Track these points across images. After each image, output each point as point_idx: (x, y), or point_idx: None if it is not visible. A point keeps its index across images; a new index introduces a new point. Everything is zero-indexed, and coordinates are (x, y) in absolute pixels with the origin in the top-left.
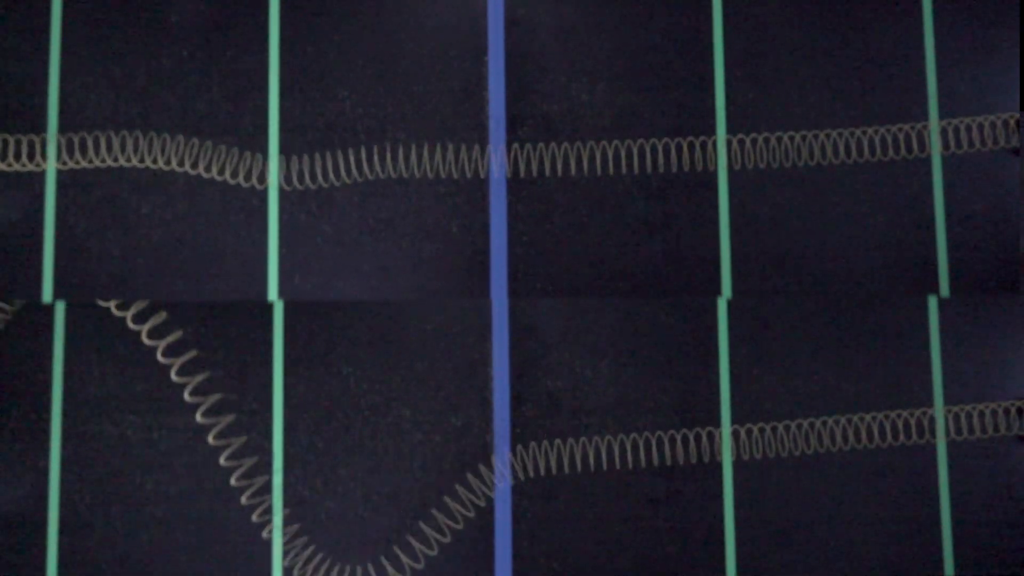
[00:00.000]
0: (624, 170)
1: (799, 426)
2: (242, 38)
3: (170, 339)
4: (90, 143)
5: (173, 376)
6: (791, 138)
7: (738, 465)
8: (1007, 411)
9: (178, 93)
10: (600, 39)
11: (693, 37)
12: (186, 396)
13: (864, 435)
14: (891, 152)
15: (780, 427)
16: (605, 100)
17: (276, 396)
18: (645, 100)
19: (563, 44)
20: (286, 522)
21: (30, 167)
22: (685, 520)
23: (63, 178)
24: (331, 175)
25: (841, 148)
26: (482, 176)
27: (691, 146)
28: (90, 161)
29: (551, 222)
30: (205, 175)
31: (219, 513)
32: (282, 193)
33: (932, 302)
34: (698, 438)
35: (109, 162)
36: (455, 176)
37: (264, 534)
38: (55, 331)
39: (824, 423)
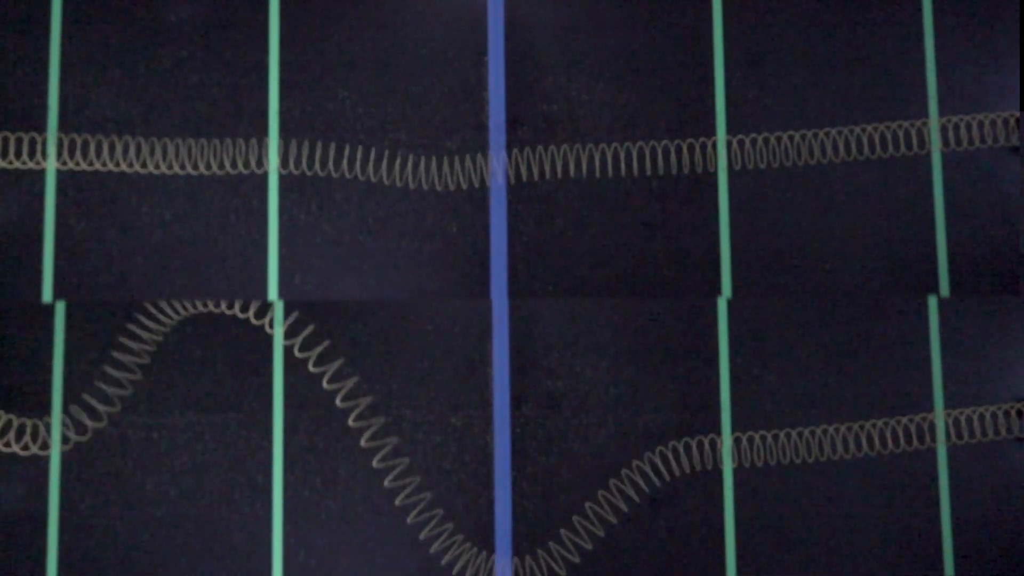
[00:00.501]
0: (624, 172)
1: (800, 434)
2: (242, 38)
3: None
4: (92, 146)
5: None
6: (791, 137)
7: (739, 468)
8: (1007, 413)
9: (178, 93)
10: (600, 39)
11: (693, 37)
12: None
13: (865, 443)
14: (891, 149)
15: (781, 435)
16: (605, 100)
17: (276, 396)
18: (645, 100)
19: (563, 44)
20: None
21: (30, 165)
22: (685, 522)
23: (63, 178)
24: (331, 167)
25: (841, 146)
26: (487, 184)
27: (691, 147)
28: (91, 164)
29: (551, 222)
30: (207, 172)
31: (219, 513)
32: (282, 193)
33: (932, 302)
34: (700, 445)
35: (111, 167)
36: (462, 186)
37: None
38: (55, 331)
39: (824, 431)
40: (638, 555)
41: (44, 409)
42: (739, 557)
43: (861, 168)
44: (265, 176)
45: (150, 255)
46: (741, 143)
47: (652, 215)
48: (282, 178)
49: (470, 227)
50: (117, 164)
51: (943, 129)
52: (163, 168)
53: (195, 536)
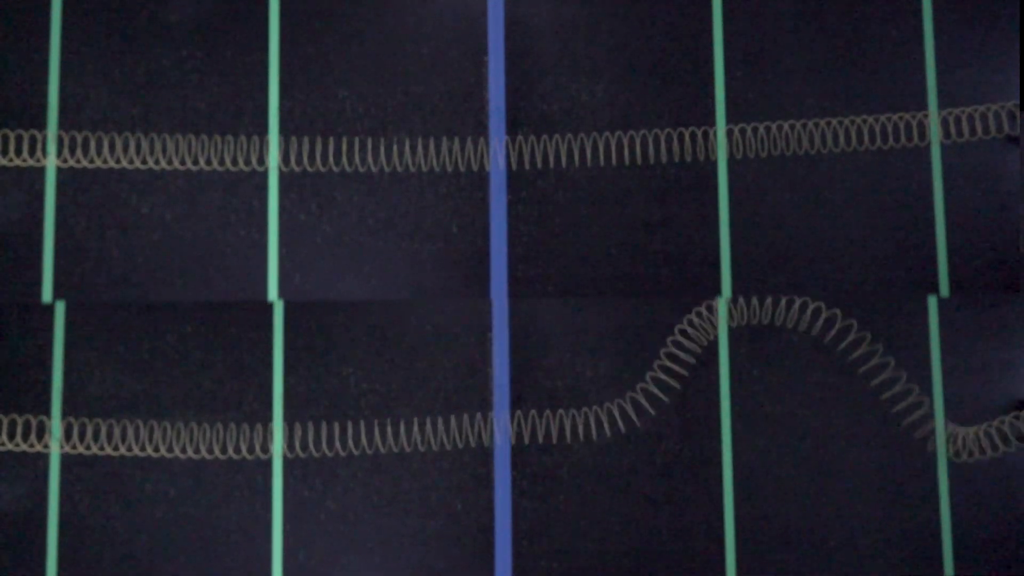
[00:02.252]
0: (626, 161)
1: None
2: (242, 37)
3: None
4: (92, 142)
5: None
6: (791, 127)
7: (738, 465)
8: (1007, 412)
9: (178, 93)
10: (600, 37)
11: (693, 27)
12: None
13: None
14: (891, 141)
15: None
16: (605, 100)
17: (276, 396)
18: (645, 97)
19: (563, 44)
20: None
21: (31, 163)
22: (685, 520)
23: (63, 178)
24: (331, 159)
25: (841, 137)
26: (488, 168)
27: (693, 136)
28: (91, 161)
29: (551, 221)
30: (207, 168)
31: (219, 513)
32: (282, 193)
33: (932, 302)
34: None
35: (111, 163)
36: (460, 168)
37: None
38: (55, 331)
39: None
40: (638, 554)
41: (43, 410)
42: (739, 553)
43: (861, 161)
44: (265, 176)
45: (150, 255)
46: (743, 132)
47: (652, 214)
48: (282, 178)
49: (470, 227)
50: (118, 160)
51: (943, 121)
52: (163, 164)
53: (195, 536)
